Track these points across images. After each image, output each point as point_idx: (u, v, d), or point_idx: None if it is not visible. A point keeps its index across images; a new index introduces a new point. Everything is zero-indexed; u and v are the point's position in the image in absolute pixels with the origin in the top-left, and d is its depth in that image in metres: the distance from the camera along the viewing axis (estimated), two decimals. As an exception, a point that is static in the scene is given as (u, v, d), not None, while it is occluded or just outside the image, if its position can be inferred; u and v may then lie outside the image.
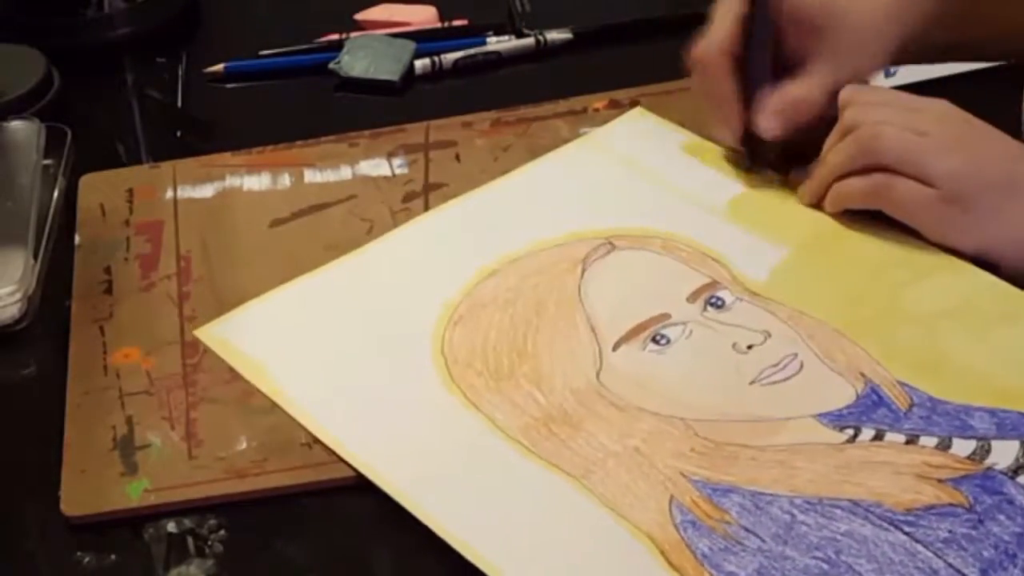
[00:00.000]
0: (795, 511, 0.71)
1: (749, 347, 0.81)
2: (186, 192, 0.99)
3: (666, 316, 0.83)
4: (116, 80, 1.15)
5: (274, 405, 0.81)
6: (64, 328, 0.88)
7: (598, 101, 1.03)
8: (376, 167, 0.99)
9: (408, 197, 0.96)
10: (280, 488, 0.77)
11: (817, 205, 0.90)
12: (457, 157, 0.99)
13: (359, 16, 1.18)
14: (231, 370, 0.84)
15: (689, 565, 0.69)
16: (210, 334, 0.86)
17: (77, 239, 0.95)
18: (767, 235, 0.89)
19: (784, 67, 0.92)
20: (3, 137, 1.01)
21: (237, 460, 0.78)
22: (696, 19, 1.12)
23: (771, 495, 0.72)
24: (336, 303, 0.87)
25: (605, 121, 1.01)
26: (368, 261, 0.90)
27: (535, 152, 0.99)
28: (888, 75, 1.09)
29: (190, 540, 0.75)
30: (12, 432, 0.84)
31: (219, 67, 1.13)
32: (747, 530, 0.71)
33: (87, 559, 0.75)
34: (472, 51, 1.11)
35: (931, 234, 0.86)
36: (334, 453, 0.77)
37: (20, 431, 0.84)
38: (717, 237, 0.89)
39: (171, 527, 0.76)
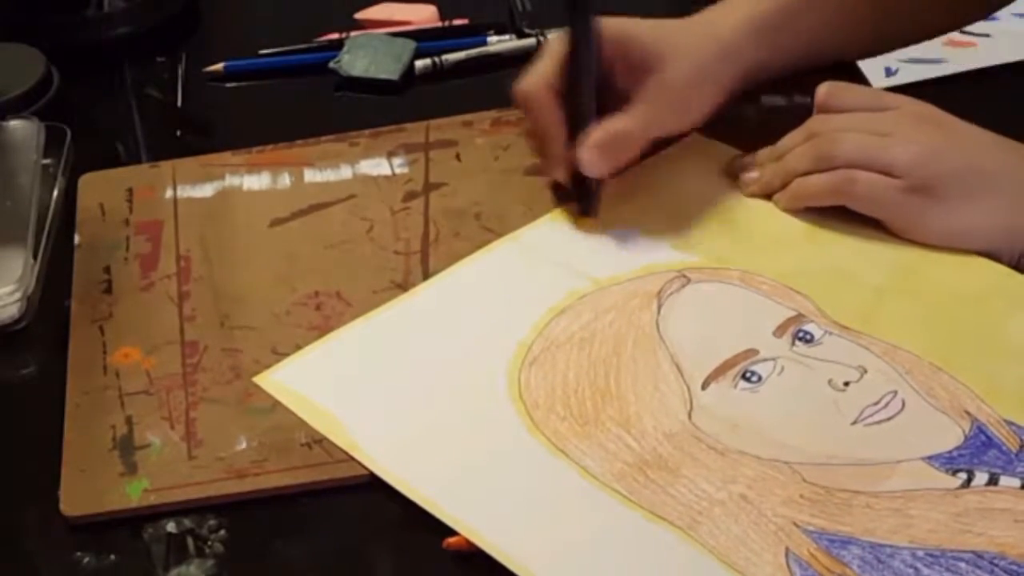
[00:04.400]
0: (919, 564, 0.69)
1: (846, 384, 0.78)
2: (186, 192, 0.98)
3: (754, 352, 0.80)
4: (116, 79, 1.15)
5: (275, 405, 0.81)
6: (64, 328, 0.88)
7: (598, 100, 1.02)
8: (376, 166, 0.99)
9: (408, 196, 0.96)
10: (280, 488, 0.77)
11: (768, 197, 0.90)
12: (457, 156, 0.99)
13: (359, 15, 1.18)
14: (231, 369, 0.84)
15: None
16: (270, 380, 0.82)
17: (77, 239, 0.95)
18: (849, 266, 0.86)
19: (615, 104, 0.90)
20: (2, 136, 1.00)
21: (237, 460, 0.78)
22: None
23: (892, 547, 0.69)
24: (401, 346, 0.84)
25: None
26: (427, 301, 0.87)
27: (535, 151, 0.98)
28: (889, 74, 1.09)
29: (190, 540, 0.75)
30: (12, 432, 0.84)
31: (219, 66, 1.13)
32: None
33: (87, 559, 0.75)
34: (473, 52, 1.11)
35: (898, 225, 0.86)
36: (393, 489, 0.75)
37: (20, 431, 0.84)
38: (798, 268, 0.86)
39: (171, 527, 0.76)
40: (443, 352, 0.83)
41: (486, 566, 0.71)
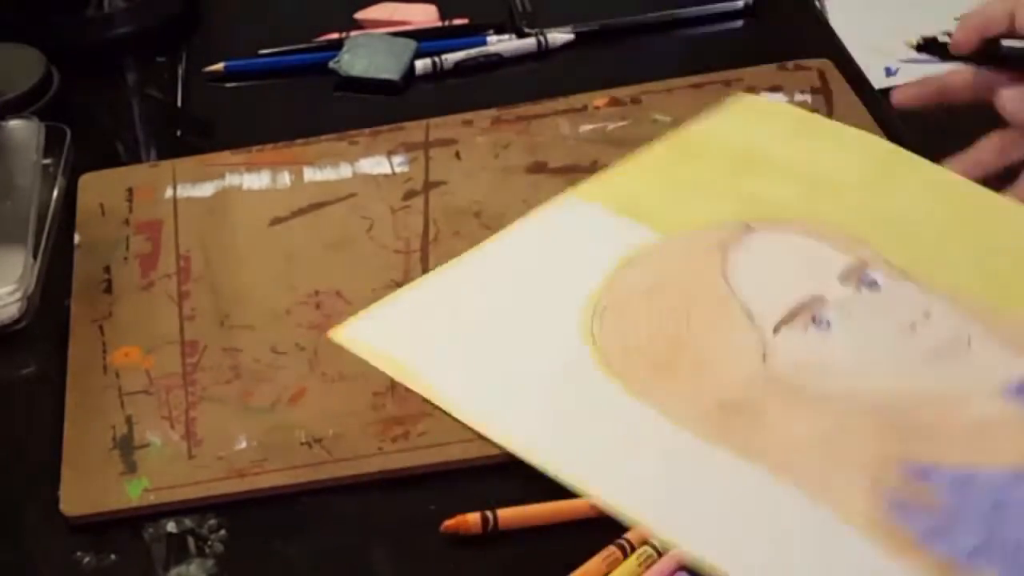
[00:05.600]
0: (1006, 485, 0.70)
1: (912, 326, 0.80)
2: (186, 191, 0.98)
3: (821, 298, 0.81)
4: (116, 79, 1.15)
5: (274, 404, 0.81)
6: (64, 328, 0.88)
7: (599, 98, 1.02)
8: (376, 165, 0.99)
9: (408, 195, 0.96)
10: (280, 488, 0.77)
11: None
12: (457, 155, 0.99)
13: (359, 15, 1.17)
14: (231, 369, 0.84)
15: (904, 548, 0.68)
16: (345, 336, 0.84)
17: (76, 238, 0.95)
18: (910, 213, 0.87)
19: None
20: (2, 136, 1.00)
21: (237, 460, 0.78)
22: (699, 20, 1.12)
23: (978, 470, 0.71)
24: (472, 299, 0.86)
25: (605, 119, 1.00)
26: (495, 255, 0.89)
27: (535, 150, 0.98)
28: (889, 74, 1.09)
29: (190, 540, 0.75)
30: (12, 432, 0.84)
31: (219, 66, 1.12)
32: (958, 508, 0.70)
33: (87, 559, 0.75)
34: (473, 52, 1.11)
35: None
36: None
37: (20, 431, 0.84)
38: (860, 216, 0.87)
39: (171, 527, 0.76)
40: (515, 303, 0.85)
41: (487, 564, 0.71)
